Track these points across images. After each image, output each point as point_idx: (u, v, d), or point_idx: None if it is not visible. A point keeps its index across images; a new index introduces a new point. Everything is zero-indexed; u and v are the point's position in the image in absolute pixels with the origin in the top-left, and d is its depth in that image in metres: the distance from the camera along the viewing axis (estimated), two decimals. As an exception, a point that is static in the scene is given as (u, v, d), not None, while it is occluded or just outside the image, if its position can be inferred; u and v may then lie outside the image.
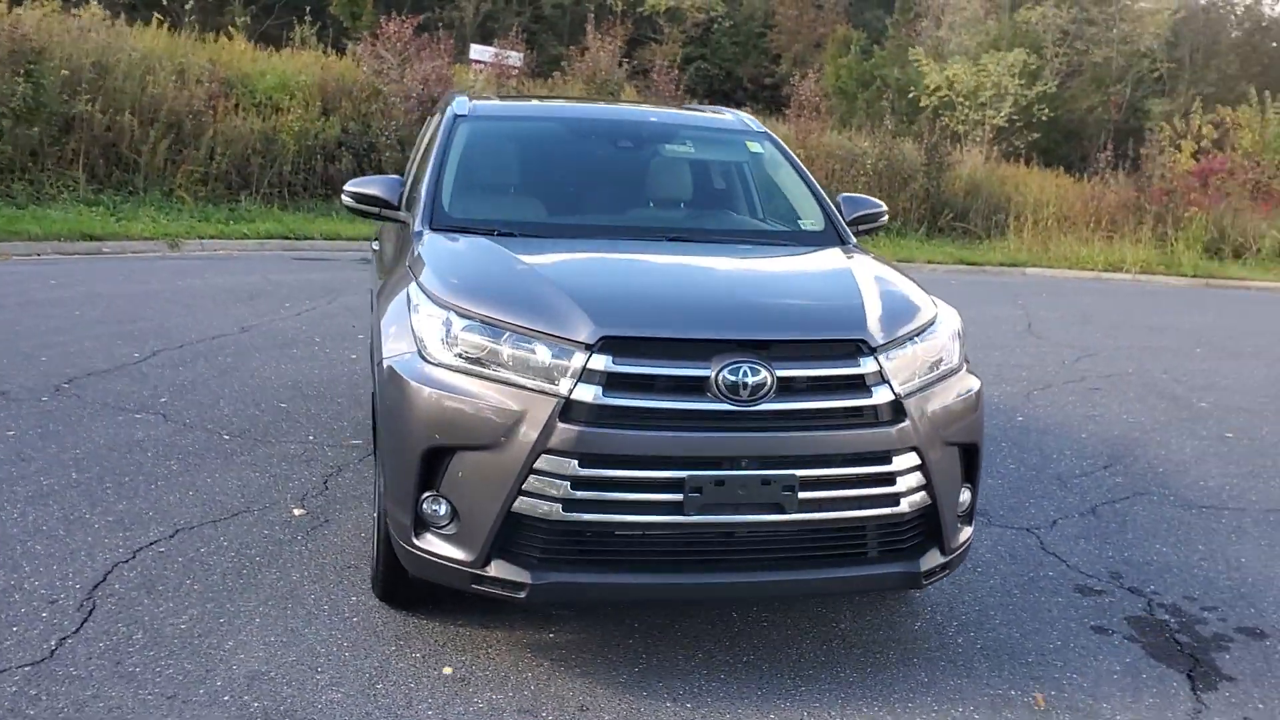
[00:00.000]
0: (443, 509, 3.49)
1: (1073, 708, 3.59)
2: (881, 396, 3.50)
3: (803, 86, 21.28)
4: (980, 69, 27.76)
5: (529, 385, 3.37)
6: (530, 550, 3.41)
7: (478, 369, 3.46)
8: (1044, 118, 28.22)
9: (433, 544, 3.51)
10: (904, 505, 3.54)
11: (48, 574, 4.16)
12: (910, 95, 28.87)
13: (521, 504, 3.34)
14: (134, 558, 4.36)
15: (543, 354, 3.40)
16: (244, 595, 4.10)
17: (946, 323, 3.91)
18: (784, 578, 3.51)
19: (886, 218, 5.08)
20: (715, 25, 38.24)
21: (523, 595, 3.39)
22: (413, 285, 3.84)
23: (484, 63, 21.26)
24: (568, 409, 3.31)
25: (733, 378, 3.35)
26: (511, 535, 3.39)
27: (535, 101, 7.25)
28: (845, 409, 3.48)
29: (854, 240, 4.75)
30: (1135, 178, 20.87)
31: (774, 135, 5.37)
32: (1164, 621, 4.28)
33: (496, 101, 5.45)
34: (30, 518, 4.66)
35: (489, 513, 3.37)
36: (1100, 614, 4.31)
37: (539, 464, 3.31)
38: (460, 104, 5.10)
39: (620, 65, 21.87)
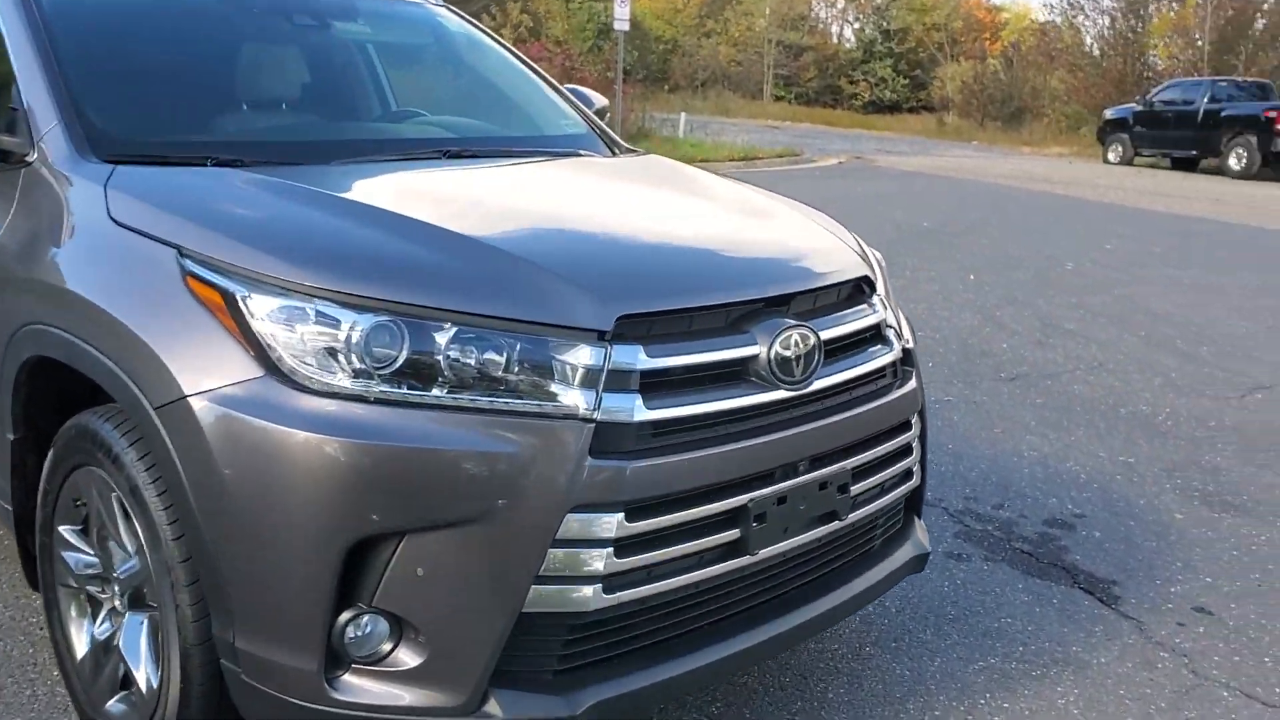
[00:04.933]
0: (378, 631, 2.10)
1: (1055, 659, 3.18)
2: (898, 347, 2.73)
3: None
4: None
5: (518, 408, 2.08)
6: (544, 664, 2.17)
7: (414, 394, 2.07)
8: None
9: (369, 692, 2.09)
10: (915, 478, 2.83)
11: None
12: None
13: (538, 597, 2.09)
14: None
15: (521, 355, 2.11)
16: None
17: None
18: (833, 603, 2.58)
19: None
20: None
21: (558, 736, 2.15)
22: (178, 258, 2.22)
23: None
24: (598, 436, 2.10)
25: (785, 351, 2.34)
26: (515, 649, 2.12)
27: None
28: (878, 370, 2.64)
29: (625, 144, 3.75)
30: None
31: (459, 10, 4.08)
32: (986, 531, 4.04)
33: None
34: None
35: (484, 623, 2.06)
36: (934, 541, 3.96)
37: (563, 530, 2.08)
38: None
39: None
